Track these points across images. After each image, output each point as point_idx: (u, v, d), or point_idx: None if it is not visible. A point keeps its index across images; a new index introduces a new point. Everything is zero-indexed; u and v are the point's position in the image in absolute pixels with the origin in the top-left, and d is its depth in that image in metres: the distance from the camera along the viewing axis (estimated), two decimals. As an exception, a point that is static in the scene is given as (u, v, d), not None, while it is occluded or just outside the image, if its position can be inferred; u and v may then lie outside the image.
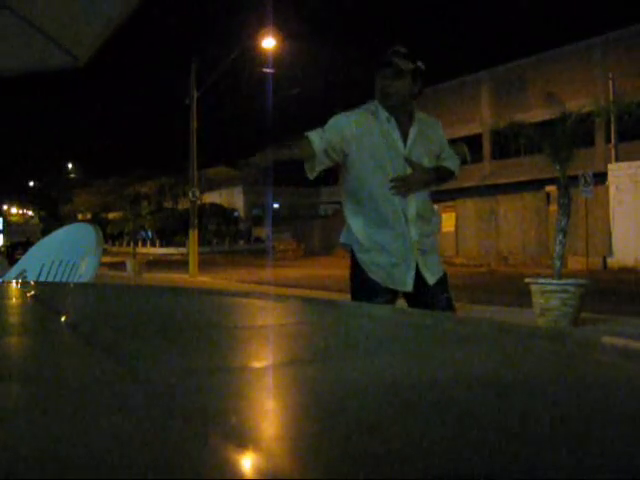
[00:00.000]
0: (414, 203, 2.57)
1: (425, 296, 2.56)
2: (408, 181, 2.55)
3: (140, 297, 1.34)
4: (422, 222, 2.57)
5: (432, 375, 0.52)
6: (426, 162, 2.61)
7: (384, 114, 2.56)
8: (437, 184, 2.72)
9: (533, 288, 6.23)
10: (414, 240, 2.54)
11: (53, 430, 0.34)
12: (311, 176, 2.60)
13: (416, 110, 2.64)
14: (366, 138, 2.53)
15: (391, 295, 2.57)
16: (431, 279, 2.56)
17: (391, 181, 2.52)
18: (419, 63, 2.57)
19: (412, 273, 2.54)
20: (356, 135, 2.52)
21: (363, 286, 2.60)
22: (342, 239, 2.73)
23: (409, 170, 2.54)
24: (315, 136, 2.50)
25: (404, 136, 2.58)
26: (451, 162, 2.73)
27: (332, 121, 2.56)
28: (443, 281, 2.64)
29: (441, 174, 2.69)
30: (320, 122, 2.56)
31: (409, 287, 2.54)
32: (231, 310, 1.12)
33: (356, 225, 2.63)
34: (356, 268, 2.62)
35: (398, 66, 2.51)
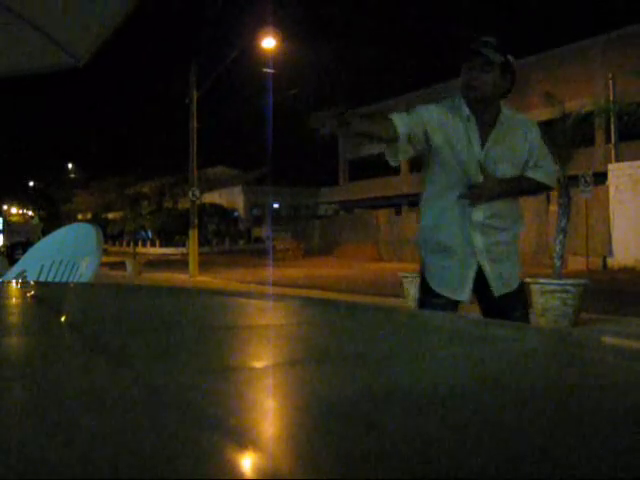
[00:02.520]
0: (481, 210, 2.37)
1: (494, 309, 2.38)
2: (478, 190, 2.35)
3: (140, 297, 1.34)
4: (492, 229, 2.36)
5: (432, 375, 0.52)
6: (505, 169, 2.38)
7: (466, 111, 2.36)
8: (519, 195, 2.50)
9: (533, 288, 6.23)
10: (478, 247, 2.36)
11: (53, 430, 0.34)
12: (393, 162, 2.41)
13: (504, 109, 2.39)
14: (449, 131, 2.35)
15: (445, 300, 2.39)
16: (498, 290, 2.36)
17: (468, 188, 2.35)
18: (510, 57, 2.34)
19: (470, 281, 2.36)
20: (438, 126, 2.35)
21: (422, 286, 2.49)
22: (416, 237, 2.59)
23: (481, 177, 2.35)
24: (399, 120, 2.31)
25: (484, 138, 2.37)
26: (541, 172, 2.45)
27: (415, 109, 2.38)
28: (516, 295, 2.42)
29: (523, 186, 2.44)
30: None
31: (464, 296, 2.37)
32: (231, 310, 1.12)
33: (424, 221, 2.49)
34: (421, 267, 2.51)
35: (487, 57, 2.29)
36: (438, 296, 2.40)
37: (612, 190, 15.49)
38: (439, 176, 2.41)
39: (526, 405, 0.42)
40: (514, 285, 2.42)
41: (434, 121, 2.36)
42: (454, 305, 2.40)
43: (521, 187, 2.44)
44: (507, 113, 2.40)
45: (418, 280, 2.57)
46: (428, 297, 2.43)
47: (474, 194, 2.36)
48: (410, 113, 2.37)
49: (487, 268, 2.38)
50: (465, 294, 2.37)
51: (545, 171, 2.47)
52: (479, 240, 2.36)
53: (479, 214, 2.37)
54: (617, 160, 18.31)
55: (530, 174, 2.44)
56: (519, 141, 2.41)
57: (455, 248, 2.39)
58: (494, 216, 2.38)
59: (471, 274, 2.37)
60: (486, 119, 2.36)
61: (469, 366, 0.56)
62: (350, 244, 25.00)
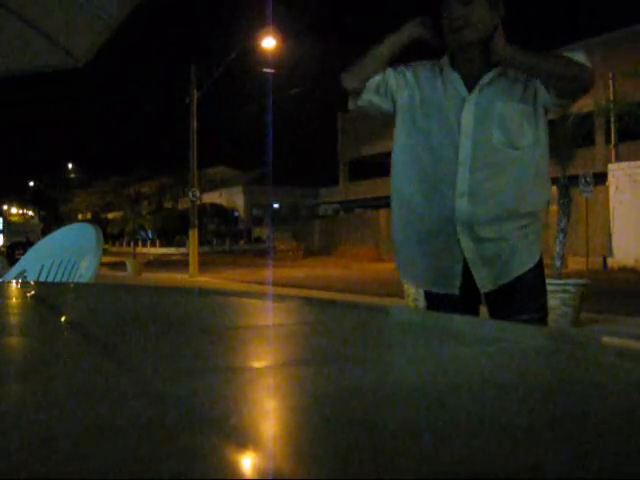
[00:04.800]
0: (467, 177, 1.82)
1: (497, 308, 1.91)
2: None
3: (140, 297, 1.34)
4: (484, 205, 1.83)
5: (432, 375, 0.52)
6: (505, 108, 1.84)
7: (449, 68, 1.92)
8: (535, 73, 1.82)
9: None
10: (462, 224, 1.83)
11: (53, 430, 0.34)
12: (352, 105, 2.03)
13: (506, 47, 1.81)
14: (424, 92, 1.93)
15: (441, 299, 1.93)
16: (485, 285, 1.88)
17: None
18: None
19: (458, 269, 1.88)
20: (412, 84, 1.96)
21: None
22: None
23: (465, 138, 1.82)
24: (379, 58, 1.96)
25: (472, 85, 1.87)
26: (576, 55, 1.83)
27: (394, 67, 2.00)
28: (520, 294, 1.90)
29: (548, 63, 1.82)
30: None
31: (454, 289, 1.90)
32: (231, 310, 1.12)
33: (397, 201, 2.00)
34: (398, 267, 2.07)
35: None
36: (432, 296, 1.98)
37: (612, 190, 15.50)
38: (414, 139, 1.94)
39: (525, 405, 0.42)
40: (514, 272, 1.88)
41: (409, 76, 1.97)
42: (465, 303, 1.91)
43: (545, 64, 1.82)
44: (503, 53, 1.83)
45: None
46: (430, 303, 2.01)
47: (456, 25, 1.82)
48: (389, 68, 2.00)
49: (475, 254, 1.88)
50: (452, 286, 1.90)
51: (580, 56, 1.84)
52: (464, 215, 1.84)
53: (463, 185, 1.83)
54: (617, 160, 18.32)
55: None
56: (520, 79, 1.87)
57: (435, 231, 1.91)
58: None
59: (459, 257, 1.88)
60: (478, 64, 1.89)
61: (469, 366, 0.56)
62: (350, 244, 25.01)
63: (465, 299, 1.91)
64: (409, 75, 1.98)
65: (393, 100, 2.00)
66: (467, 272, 1.89)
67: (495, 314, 1.93)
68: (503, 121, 1.85)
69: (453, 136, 1.85)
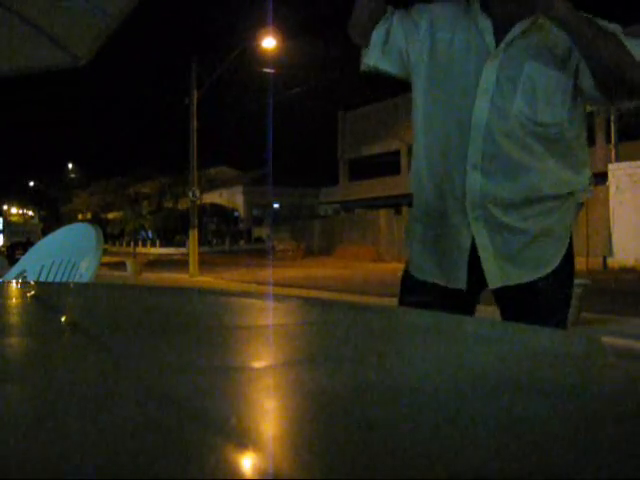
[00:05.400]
0: (479, 146, 1.51)
1: (507, 314, 1.60)
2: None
3: (140, 297, 1.34)
4: (500, 181, 1.52)
5: (432, 375, 0.52)
6: (537, 69, 1.49)
7: (478, 9, 1.55)
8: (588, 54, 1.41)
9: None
10: (474, 206, 1.53)
11: (52, 431, 0.34)
12: (364, 65, 1.69)
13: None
14: (441, 43, 1.59)
15: (435, 295, 1.61)
16: (494, 280, 1.56)
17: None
18: None
19: (465, 258, 1.57)
20: (425, 35, 1.60)
21: (403, 282, 1.74)
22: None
23: (483, 103, 1.50)
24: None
25: (501, 36, 1.52)
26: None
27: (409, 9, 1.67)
28: (537, 303, 1.57)
29: (606, 44, 1.39)
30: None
31: (459, 283, 1.58)
32: (231, 310, 1.12)
33: (414, 177, 1.69)
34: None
35: None
36: (424, 290, 1.65)
37: (612, 190, 15.50)
38: (431, 103, 1.61)
39: (525, 405, 0.42)
40: (531, 273, 1.56)
41: (425, 24, 1.61)
42: (454, 302, 1.60)
43: (603, 49, 1.39)
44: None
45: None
46: (410, 296, 1.70)
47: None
48: (401, 12, 1.67)
49: (487, 242, 1.55)
50: (459, 281, 1.58)
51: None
52: (474, 194, 1.54)
53: (476, 155, 1.52)
54: (617, 160, 18.32)
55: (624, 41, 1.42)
56: (564, 41, 1.48)
57: (443, 212, 1.61)
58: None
59: (465, 245, 1.57)
60: (514, 10, 1.51)
61: (469, 366, 0.56)
62: (350, 244, 25.01)
63: (462, 296, 1.60)
64: (424, 23, 1.60)
65: (402, 59, 1.65)
66: (471, 264, 1.58)
67: (506, 319, 1.61)
68: (530, 87, 1.49)
69: (470, 97, 1.52)
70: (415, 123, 1.68)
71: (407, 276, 1.73)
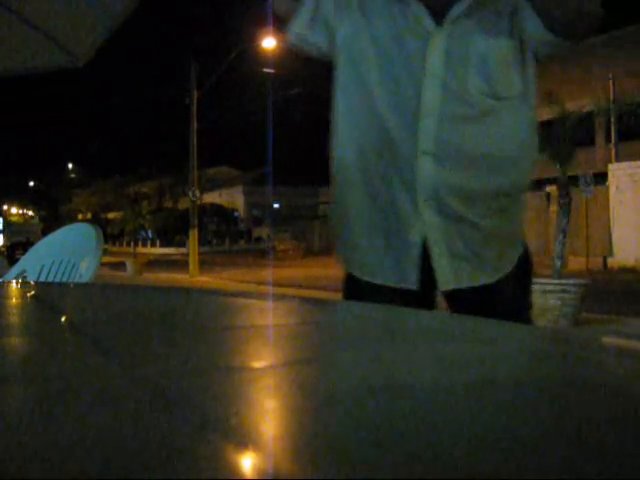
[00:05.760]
0: (432, 131, 1.38)
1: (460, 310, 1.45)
2: None
3: (140, 297, 1.34)
4: (455, 167, 1.39)
5: (433, 375, 0.52)
6: (484, 50, 1.39)
7: None
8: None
9: (533, 288, 6.23)
10: (425, 193, 1.39)
11: (52, 431, 0.34)
12: (290, 35, 1.57)
13: None
14: (374, 26, 1.45)
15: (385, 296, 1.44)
16: (446, 281, 1.42)
17: None
18: None
19: (416, 254, 1.41)
20: (356, 13, 1.47)
21: (346, 285, 1.59)
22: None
23: (433, 86, 1.38)
24: None
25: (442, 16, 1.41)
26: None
27: None
28: (494, 307, 1.41)
29: None
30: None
31: (410, 283, 1.42)
32: (231, 310, 1.12)
33: (340, 171, 1.53)
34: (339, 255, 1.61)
35: None
36: (371, 293, 1.48)
37: (612, 190, 15.51)
38: (360, 86, 1.47)
39: (525, 405, 0.42)
40: (488, 275, 1.43)
41: (351, 3, 1.47)
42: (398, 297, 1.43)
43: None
44: None
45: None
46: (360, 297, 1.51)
47: None
48: None
49: (435, 235, 1.40)
50: (409, 279, 1.42)
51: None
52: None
53: (427, 139, 1.38)
54: (617, 160, 18.32)
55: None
56: (504, 10, 1.42)
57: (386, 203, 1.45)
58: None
59: (416, 239, 1.41)
60: None
61: (469, 366, 0.56)
62: (350, 244, 24.93)
63: (416, 298, 1.43)
64: (355, 1, 1.48)
65: (330, 33, 1.51)
66: (424, 263, 1.43)
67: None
68: (483, 63, 1.40)
69: (415, 82, 1.39)
70: (340, 114, 1.51)
71: (349, 278, 1.56)
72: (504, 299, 1.47)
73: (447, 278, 1.42)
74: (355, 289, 1.55)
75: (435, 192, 1.38)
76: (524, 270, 1.51)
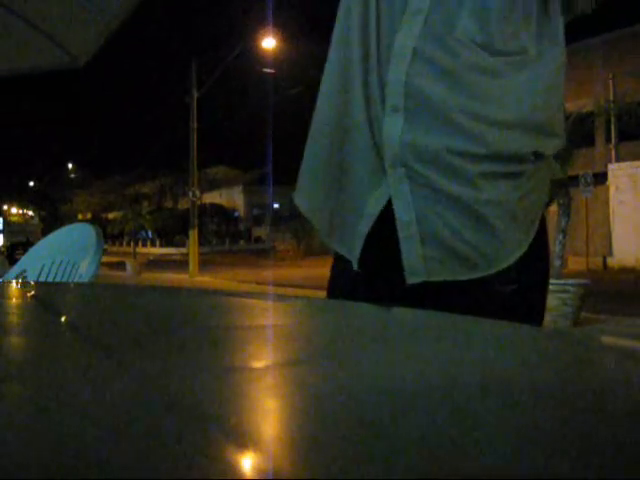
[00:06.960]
0: (401, 81, 1.06)
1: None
2: None
3: (140, 297, 1.34)
4: (431, 127, 1.06)
5: (433, 375, 0.52)
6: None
7: None
8: None
9: (533, 288, 6.22)
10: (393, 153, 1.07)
11: (52, 431, 0.34)
12: None
13: None
14: None
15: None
16: (415, 272, 1.09)
17: None
18: None
19: (364, 228, 1.14)
20: None
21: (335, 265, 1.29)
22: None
23: (411, 23, 1.07)
24: None
25: None
26: None
27: None
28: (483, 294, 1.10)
29: None
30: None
31: (350, 255, 1.18)
32: (231, 310, 1.12)
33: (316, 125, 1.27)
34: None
35: None
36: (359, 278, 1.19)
37: (612, 190, 15.51)
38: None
39: (525, 405, 0.42)
40: (484, 267, 1.08)
41: None
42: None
43: None
44: None
45: None
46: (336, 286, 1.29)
47: None
48: None
49: (404, 212, 1.08)
50: (353, 255, 1.16)
51: None
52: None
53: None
54: (617, 160, 18.32)
55: None
56: None
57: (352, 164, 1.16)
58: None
59: (370, 213, 1.13)
60: None
61: (469, 366, 0.56)
62: (350, 244, 24.93)
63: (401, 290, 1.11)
64: None
65: None
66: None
67: None
68: (482, 4, 1.07)
69: (393, 19, 1.11)
70: (328, 65, 1.26)
71: (337, 259, 1.28)
72: (504, 305, 1.13)
73: (415, 268, 1.09)
74: (341, 276, 1.28)
75: (402, 155, 1.08)
76: (538, 270, 1.20)
